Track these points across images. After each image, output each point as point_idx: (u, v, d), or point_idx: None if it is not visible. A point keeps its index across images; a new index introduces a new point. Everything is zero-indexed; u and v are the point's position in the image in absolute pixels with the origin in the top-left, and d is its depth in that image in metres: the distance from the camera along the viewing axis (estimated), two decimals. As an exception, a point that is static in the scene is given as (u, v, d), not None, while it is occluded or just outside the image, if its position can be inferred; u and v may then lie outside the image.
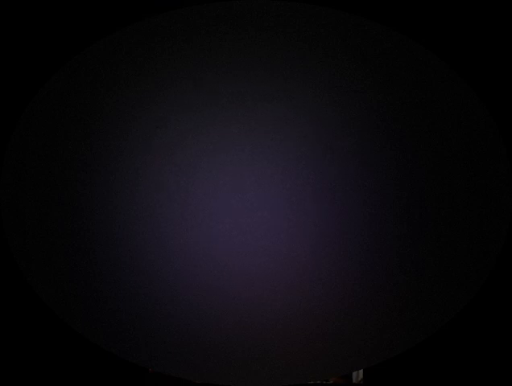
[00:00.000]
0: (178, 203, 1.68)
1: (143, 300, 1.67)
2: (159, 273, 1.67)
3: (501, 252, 1.69)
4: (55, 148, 1.70)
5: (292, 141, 1.69)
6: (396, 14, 1.76)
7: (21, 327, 1.75)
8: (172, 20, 1.72)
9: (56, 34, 1.76)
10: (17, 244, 1.69)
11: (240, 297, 1.67)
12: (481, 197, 1.68)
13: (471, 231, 1.68)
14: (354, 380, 1.79)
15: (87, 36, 1.76)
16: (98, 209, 1.68)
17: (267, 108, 1.70)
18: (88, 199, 1.69)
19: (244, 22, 1.72)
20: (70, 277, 1.68)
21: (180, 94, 1.71)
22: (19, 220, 1.69)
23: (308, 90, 1.71)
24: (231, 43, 1.72)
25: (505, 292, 1.73)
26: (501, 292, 1.73)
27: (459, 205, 1.68)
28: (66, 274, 1.68)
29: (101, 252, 1.68)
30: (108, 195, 1.69)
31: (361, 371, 1.79)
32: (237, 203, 1.68)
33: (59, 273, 1.68)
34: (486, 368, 1.73)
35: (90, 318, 1.67)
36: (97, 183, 1.69)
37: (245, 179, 1.69)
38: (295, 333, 1.66)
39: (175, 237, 1.67)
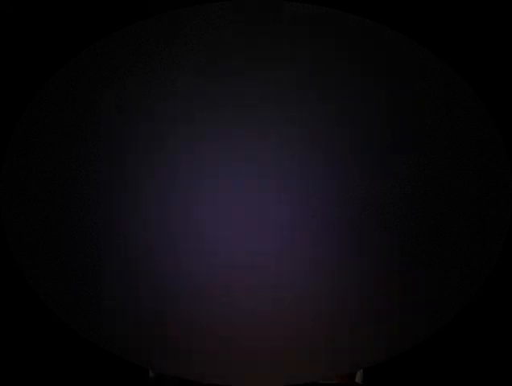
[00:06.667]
0: (179, 203, 1.68)
1: (144, 300, 1.67)
2: (160, 273, 1.67)
3: (501, 252, 1.69)
4: (55, 148, 1.70)
5: (292, 141, 1.69)
6: (396, 14, 1.76)
7: (21, 327, 1.75)
8: (172, 20, 1.72)
9: (56, 34, 1.76)
10: (17, 244, 1.69)
11: (241, 297, 1.67)
12: (480, 197, 1.68)
13: (471, 231, 1.68)
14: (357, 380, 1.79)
15: (87, 36, 1.76)
16: (98, 209, 1.68)
17: (268, 108, 1.70)
18: (88, 198, 1.69)
19: (243, 22, 1.72)
20: (70, 277, 1.68)
21: (180, 94, 1.71)
22: (19, 220, 1.69)
23: (308, 90, 1.71)
24: (231, 43, 1.72)
25: (505, 292, 1.73)
26: (501, 292, 1.73)
27: (458, 205, 1.68)
28: (66, 274, 1.68)
29: (101, 252, 1.68)
30: (108, 194, 1.69)
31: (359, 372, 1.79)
32: (238, 204, 1.68)
33: (59, 273, 1.68)
34: (486, 368, 1.73)
35: (90, 318, 1.67)
36: (97, 183, 1.69)
37: (246, 180, 1.69)
38: (295, 333, 1.66)
39: (177, 238, 1.67)
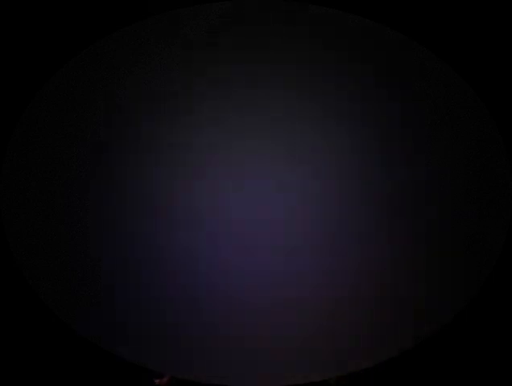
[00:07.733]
0: (181, 203, 1.68)
1: (144, 300, 1.67)
2: (160, 273, 1.67)
3: (501, 252, 1.69)
4: (55, 148, 1.70)
5: (292, 141, 1.69)
6: (396, 14, 1.76)
7: (21, 327, 1.74)
8: (172, 20, 1.72)
9: (56, 34, 1.76)
10: (17, 244, 1.69)
11: (241, 297, 1.67)
12: (480, 197, 1.68)
13: (471, 231, 1.68)
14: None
15: (87, 36, 1.76)
16: (98, 209, 1.68)
17: (267, 108, 1.70)
18: (88, 198, 1.69)
19: (243, 22, 1.72)
20: (70, 277, 1.68)
21: (181, 94, 1.71)
22: (19, 220, 1.69)
23: (307, 90, 1.71)
24: (231, 43, 1.72)
25: (505, 292, 1.73)
26: (501, 292, 1.73)
27: (458, 205, 1.68)
28: (66, 274, 1.68)
29: (101, 253, 1.68)
30: (108, 194, 1.69)
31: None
32: (239, 203, 1.68)
33: (59, 273, 1.68)
34: (486, 368, 1.73)
35: (90, 318, 1.67)
36: (97, 183, 1.69)
37: (248, 180, 1.69)
38: (295, 333, 1.66)
39: (179, 238, 1.67)
